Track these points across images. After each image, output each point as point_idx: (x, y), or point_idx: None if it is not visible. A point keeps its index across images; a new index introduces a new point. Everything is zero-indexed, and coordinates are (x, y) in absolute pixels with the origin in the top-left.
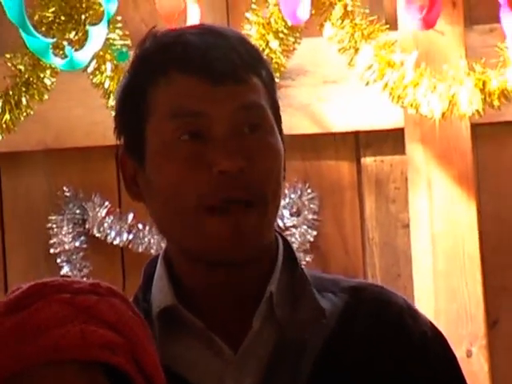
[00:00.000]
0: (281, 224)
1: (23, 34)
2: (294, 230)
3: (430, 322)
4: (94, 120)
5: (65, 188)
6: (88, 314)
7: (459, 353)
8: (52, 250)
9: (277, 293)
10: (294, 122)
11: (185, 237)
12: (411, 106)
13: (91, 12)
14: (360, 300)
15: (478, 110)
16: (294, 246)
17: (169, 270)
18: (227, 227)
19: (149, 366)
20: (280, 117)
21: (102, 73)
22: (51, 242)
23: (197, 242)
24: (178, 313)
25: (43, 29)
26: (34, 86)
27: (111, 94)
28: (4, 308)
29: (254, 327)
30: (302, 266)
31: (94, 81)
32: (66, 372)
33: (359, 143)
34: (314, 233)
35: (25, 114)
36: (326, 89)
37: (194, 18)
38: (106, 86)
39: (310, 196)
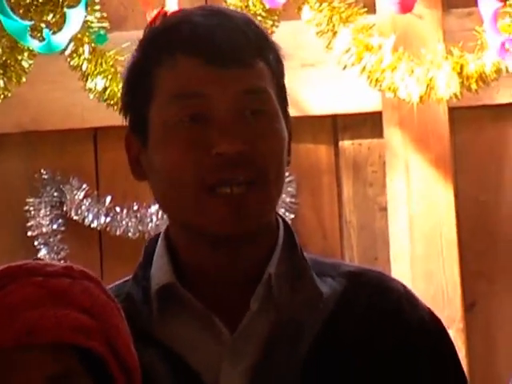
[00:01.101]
0: None
1: (0, 17)
2: None
3: (428, 308)
4: (72, 102)
5: (42, 170)
6: (61, 297)
7: None
8: (29, 233)
9: (276, 275)
10: None
11: (186, 215)
12: (389, 89)
13: None
14: (358, 285)
15: (455, 94)
16: None
17: (169, 249)
18: (228, 205)
19: (122, 350)
20: (287, 100)
21: (79, 55)
22: (29, 224)
23: (198, 220)
24: (176, 291)
25: (21, 11)
26: (12, 68)
27: (89, 77)
28: None
29: (252, 308)
30: (303, 250)
31: (72, 63)
32: (38, 355)
33: (337, 126)
34: (292, 216)
35: (2, 96)
36: (304, 72)
37: (172, 0)
38: (84, 68)
39: (287, 179)
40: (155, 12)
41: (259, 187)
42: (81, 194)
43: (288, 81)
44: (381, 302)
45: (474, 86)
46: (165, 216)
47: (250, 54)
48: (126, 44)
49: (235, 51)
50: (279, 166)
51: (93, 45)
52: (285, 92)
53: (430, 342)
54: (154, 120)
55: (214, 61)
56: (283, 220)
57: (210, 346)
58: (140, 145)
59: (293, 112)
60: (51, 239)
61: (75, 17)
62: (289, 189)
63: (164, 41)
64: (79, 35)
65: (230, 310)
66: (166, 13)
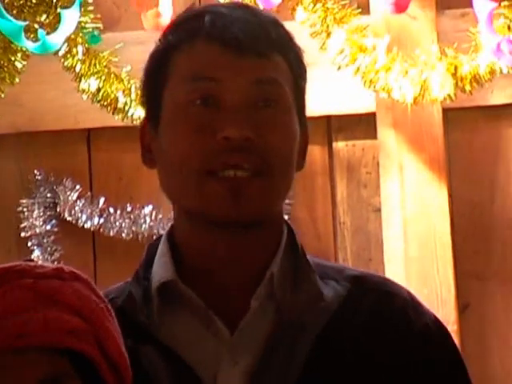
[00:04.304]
0: None
1: None
2: None
3: (433, 315)
4: (66, 103)
5: (36, 171)
6: (51, 299)
7: None
8: (23, 234)
9: (278, 275)
10: None
11: (188, 198)
12: (383, 90)
13: None
14: (363, 289)
15: (449, 95)
16: None
17: (172, 247)
18: (228, 188)
19: (113, 351)
20: (303, 102)
21: (73, 56)
22: (22, 225)
23: (198, 203)
24: (177, 288)
25: (14, 12)
26: (5, 69)
27: (82, 78)
28: None
29: (253, 307)
30: (306, 253)
31: (66, 64)
32: (30, 358)
33: (331, 127)
34: (286, 217)
35: None
36: None
37: (166, 1)
38: (78, 69)
39: None
40: (149, 13)
41: (263, 177)
42: (74, 195)
43: None
44: (385, 308)
45: (468, 87)
46: (159, 217)
47: (266, 45)
48: (119, 45)
49: (252, 40)
50: (287, 160)
51: (86, 45)
52: (303, 95)
53: (434, 349)
54: (166, 102)
55: (230, 47)
56: (286, 223)
57: (209, 345)
58: (152, 131)
59: None
60: (45, 240)
61: (69, 17)
62: None
63: (185, 28)
64: (73, 36)
65: (231, 309)
66: (193, 6)
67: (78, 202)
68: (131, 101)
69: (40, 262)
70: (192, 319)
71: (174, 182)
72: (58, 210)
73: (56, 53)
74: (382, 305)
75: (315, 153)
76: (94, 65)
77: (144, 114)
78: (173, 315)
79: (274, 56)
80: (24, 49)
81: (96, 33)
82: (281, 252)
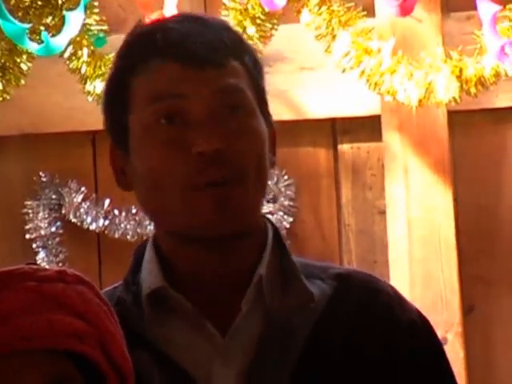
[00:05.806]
0: None
1: None
2: (270, 216)
3: (417, 310)
4: (72, 105)
5: (41, 173)
6: (55, 302)
7: None
8: (28, 236)
9: (266, 277)
10: (270, 109)
11: (171, 217)
12: (388, 93)
13: None
14: (348, 287)
15: (454, 98)
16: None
17: (158, 254)
18: (211, 203)
19: (116, 354)
20: (265, 101)
21: (78, 58)
22: (27, 227)
23: (183, 220)
24: (167, 295)
25: (20, 14)
26: (11, 71)
27: (88, 80)
28: None
29: (243, 310)
30: (291, 253)
31: (71, 66)
32: (33, 361)
33: (336, 130)
34: (291, 219)
35: (1, 99)
36: (302, 75)
37: (171, 4)
38: (83, 71)
39: (286, 182)
40: (153, 15)
41: (239, 185)
42: (79, 197)
43: (287, 84)
44: (371, 304)
45: (473, 90)
46: None
47: (222, 54)
48: None
49: (207, 52)
50: (259, 162)
51: (92, 48)
52: (263, 92)
53: (420, 343)
54: (133, 127)
55: (186, 62)
56: (271, 223)
57: (202, 348)
58: (123, 155)
59: (292, 115)
60: (49, 242)
61: (74, 19)
62: (288, 192)
63: (138, 49)
64: (78, 38)
65: (221, 313)
66: (139, 25)
67: (83, 203)
68: None
69: (44, 265)
70: (183, 324)
71: (153, 202)
72: (63, 211)
73: (61, 55)
74: (368, 301)
75: (320, 155)
76: (100, 67)
77: (111, 140)
78: (164, 320)
79: (231, 63)
80: (29, 51)
81: (101, 35)
82: (267, 255)
